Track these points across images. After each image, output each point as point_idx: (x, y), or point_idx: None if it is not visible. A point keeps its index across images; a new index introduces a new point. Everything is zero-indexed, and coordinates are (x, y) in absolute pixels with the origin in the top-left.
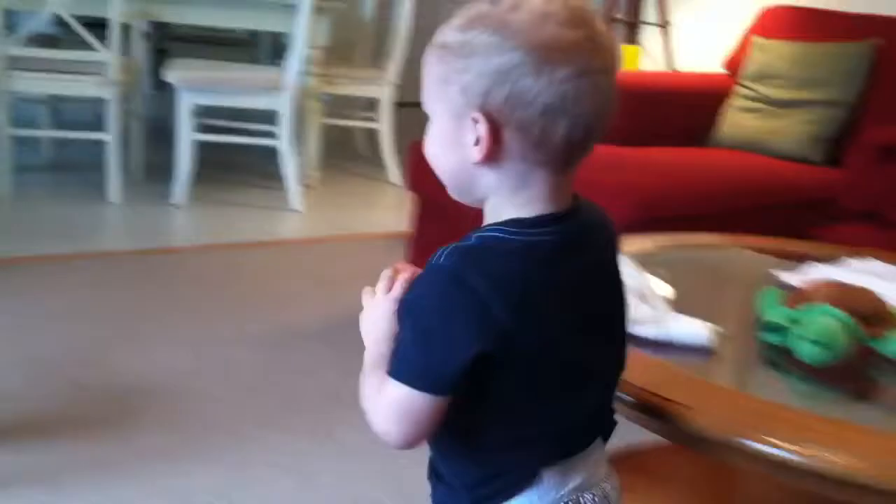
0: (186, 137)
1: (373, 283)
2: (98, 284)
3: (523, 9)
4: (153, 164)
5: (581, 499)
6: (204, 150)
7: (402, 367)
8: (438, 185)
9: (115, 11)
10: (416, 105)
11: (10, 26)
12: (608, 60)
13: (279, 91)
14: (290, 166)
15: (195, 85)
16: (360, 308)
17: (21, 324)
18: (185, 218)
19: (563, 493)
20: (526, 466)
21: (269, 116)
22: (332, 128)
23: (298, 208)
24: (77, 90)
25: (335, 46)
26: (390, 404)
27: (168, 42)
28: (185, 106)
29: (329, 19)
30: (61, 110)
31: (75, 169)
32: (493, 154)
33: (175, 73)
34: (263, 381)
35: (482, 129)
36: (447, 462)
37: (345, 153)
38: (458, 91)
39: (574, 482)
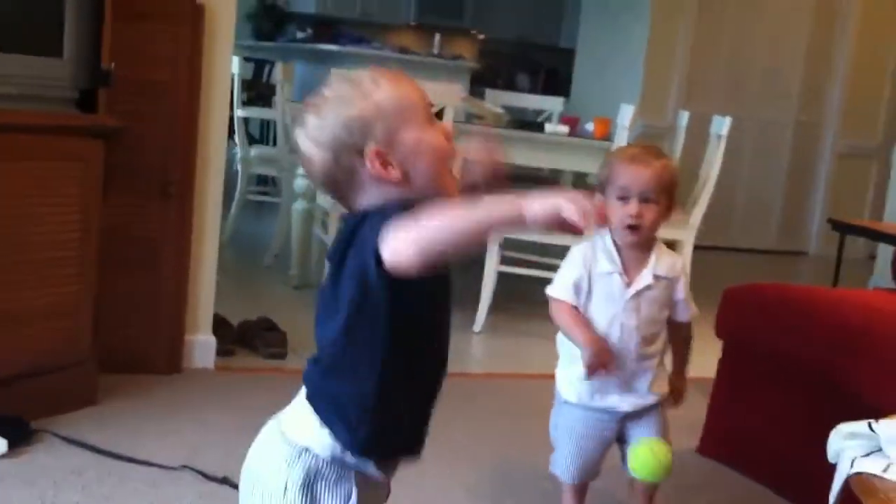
0: (492, 269)
1: None
2: None
3: None
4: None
5: None
6: (502, 281)
7: None
8: (749, 331)
9: None
10: (713, 249)
11: None
12: None
13: None
14: None
15: None
16: None
17: None
18: (483, 345)
19: None
20: None
21: (562, 250)
22: None
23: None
24: None
25: None
26: None
27: None
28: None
29: None
30: None
31: None
32: None
33: None
34: None
35: None
36: None
37: None
38: None
39: None
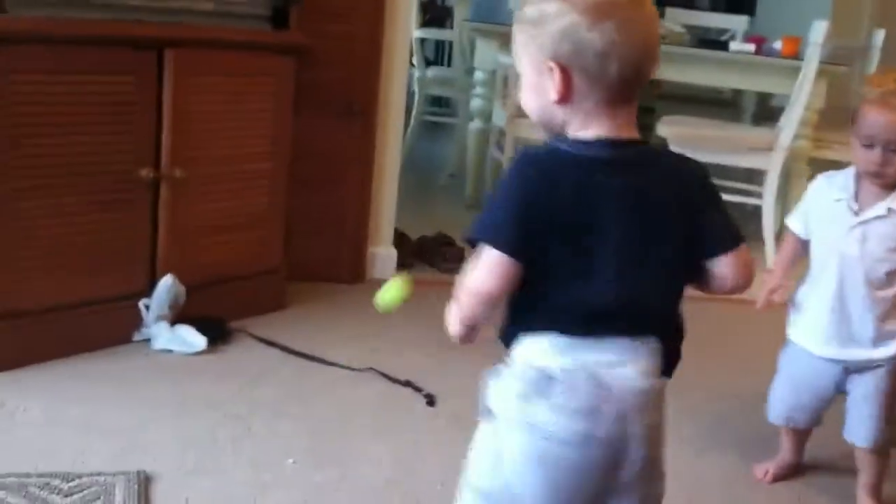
0: None
1: None
2: None
3: None
4: None
5: (576, 377)
6: None
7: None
8: None
9: None
10: None
11: None
12: (646, 12)
13: (771, 151)
14: (770, 226)
15: (687, 141)
16: None
17: None
18: None
19: (562, 361)
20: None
21: (745, 174)
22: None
23: (773, 267)
24: None
25: (827, 110)
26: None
27: (653, 100)
28: None
29: (826, 82)
30: None
31: None
32: (566, 94)
33: (669, 129)
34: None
35: (556, 75)
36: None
37: None
38: (536, 49)
39: (574, 359)
